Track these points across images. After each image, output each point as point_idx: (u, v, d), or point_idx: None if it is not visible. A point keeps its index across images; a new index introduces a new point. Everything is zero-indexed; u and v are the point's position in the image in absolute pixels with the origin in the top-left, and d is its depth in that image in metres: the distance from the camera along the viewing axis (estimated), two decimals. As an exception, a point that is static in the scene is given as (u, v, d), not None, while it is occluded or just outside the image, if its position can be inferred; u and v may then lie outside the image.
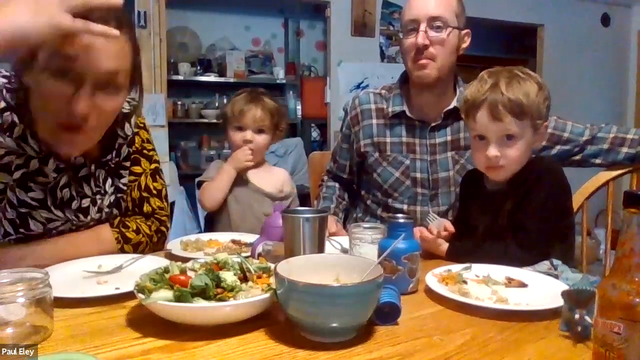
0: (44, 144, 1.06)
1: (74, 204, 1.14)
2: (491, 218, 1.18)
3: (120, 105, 1.04)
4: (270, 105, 1.65)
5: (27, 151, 1.05)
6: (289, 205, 1.67)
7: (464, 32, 1.48)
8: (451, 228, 1.19)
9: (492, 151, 1.12)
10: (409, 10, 1.46)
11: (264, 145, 1.66)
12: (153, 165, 1.29)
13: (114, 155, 1.20)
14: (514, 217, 1.13)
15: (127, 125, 1.22)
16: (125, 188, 1.23)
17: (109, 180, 1.20)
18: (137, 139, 1.25)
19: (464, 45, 1.50)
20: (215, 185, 1.59)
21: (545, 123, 1.16)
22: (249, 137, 1.62)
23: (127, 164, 1.23)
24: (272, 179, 1.68)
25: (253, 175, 1.65)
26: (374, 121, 1.56)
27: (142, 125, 1.29)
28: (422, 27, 1.40)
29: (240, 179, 1.62)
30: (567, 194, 1.18)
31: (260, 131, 1.64)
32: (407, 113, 1.51)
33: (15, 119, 1.03)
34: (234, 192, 1.60)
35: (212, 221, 1.66)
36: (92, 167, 1.16)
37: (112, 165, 1.20)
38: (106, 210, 1.20)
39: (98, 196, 1.18)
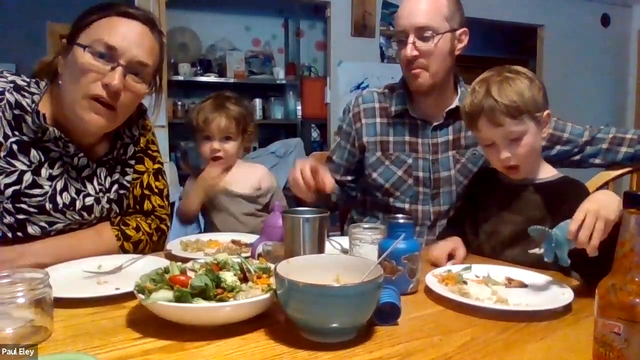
0: (66, 122, 1.10)
1: (78, 204, 1.15)
2: (512, 209, 1.21)
3: (142, 95, 1.13)
4: (235, 111, 1.63)
5: (18, 166, 1.08)
6: (270, 199, 1.67)
7: (459, 31, 1.44)
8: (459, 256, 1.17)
9: (504, 154, 1.15)
10: (397, 21, 1.44)
11: (233, 151, 1.65)
12: (156, 166, 1.31)
13: (115, 154, 1.23)
14: None
15: (134, 126, 1.27)
16: (128, 185, 1.25)
17: (109, 178, 1.22)
18: (142, 139, 1.29)
19: (461, 45, 1.46)
20: (186, 204, 1.64)
21: (547, 112, 1.17)
22: (216, 146, 1.61)
23: (132, 162, 1.27)
24: (248, 178, 1.67)
25: (226, 180, 1.65)
26: (378, 120, 1.56)
27: (149, 128, 1.33)
28: (410, 38, 1.38)
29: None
30: None
31: (227, 138, 1.63)
32: (410, 112, 1.51)
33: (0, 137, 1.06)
34: (211, 200, 1.62)
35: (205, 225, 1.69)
36: (94, 166, 1.19)
37: (112, 163, 1.23)
38: (106, 206, 1.21)
39: (101, 194, 1.20)
